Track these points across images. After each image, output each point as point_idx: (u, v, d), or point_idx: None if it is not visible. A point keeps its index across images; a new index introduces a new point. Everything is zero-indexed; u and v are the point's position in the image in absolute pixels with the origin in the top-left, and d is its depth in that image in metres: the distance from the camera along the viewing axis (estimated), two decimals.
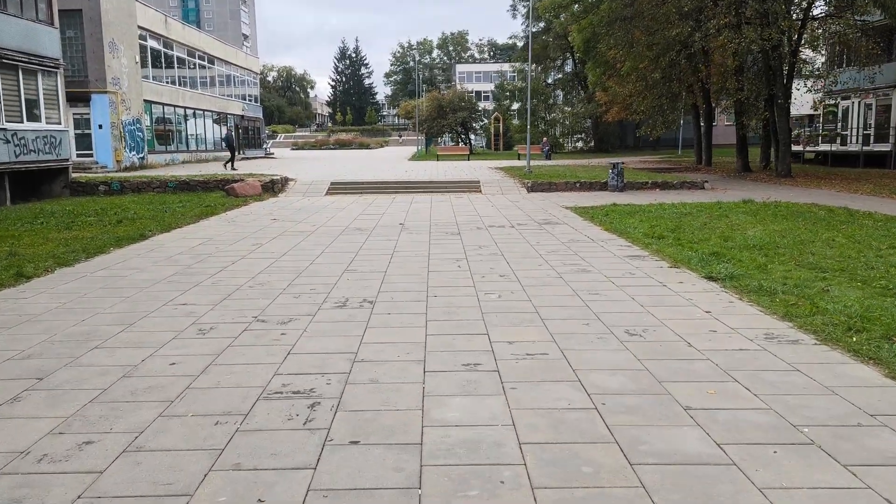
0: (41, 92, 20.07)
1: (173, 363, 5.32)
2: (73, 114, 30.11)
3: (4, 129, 18.21)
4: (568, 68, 51.91)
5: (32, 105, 19.75)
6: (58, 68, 20.91)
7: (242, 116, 52.01)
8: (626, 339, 5.82)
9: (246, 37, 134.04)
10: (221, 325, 6.41)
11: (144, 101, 34.28)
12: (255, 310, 6.97)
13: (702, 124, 32.87)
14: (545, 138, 45.26)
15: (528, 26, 49.68)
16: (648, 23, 23.72)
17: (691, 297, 7.31)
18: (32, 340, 5.96)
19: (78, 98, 29.70)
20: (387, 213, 16.03)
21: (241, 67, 52.45)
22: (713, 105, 31.03)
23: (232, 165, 31.28)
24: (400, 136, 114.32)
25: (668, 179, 22.31)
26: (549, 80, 51.43)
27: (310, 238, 12.15)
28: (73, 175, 23.30)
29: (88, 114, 30.27)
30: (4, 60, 18.29)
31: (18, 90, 19.05)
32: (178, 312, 6.89)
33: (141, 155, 33.29)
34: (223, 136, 35.02)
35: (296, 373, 5.08)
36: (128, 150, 31.90)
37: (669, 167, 31.75)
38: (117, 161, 30.71)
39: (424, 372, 5.06)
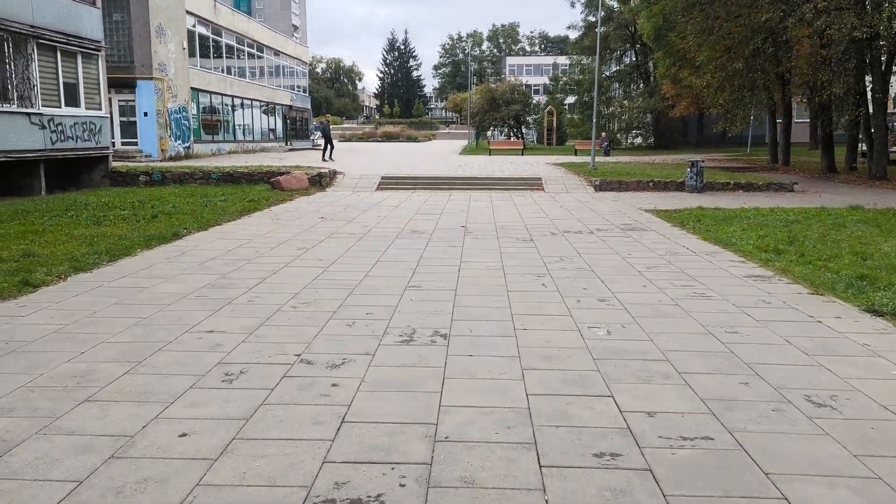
0: (81, 75, 19.03)
1: (183, 434, 3.82)
2: (119, 100, 29.34)
3: (40, 115, 17.18)
4: (628, 60, 49.52)
5: (71, 89, 18.72)
6: (99, 51, 19.86)
7: (291, 107, 51.06)
8: (814, 414, 4.12)
9: (296, 28, 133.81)
10: (255, 366, 4.90)
11: (191, 88, 33.36)
12: (299, 343, 5.45)
13: (778, 120, 30.44)
14: (604, 133, 43.07)
15: (592, 13, 47.53)
16: (732, 7, 21.58)
17: (866, 341, 5.54)
18: (7, 385, 4.53)
19: (123, 84, 28.87)
20: (445, 213, 14.45)
21: (290, 56, 51.49)
22: (792, 99, 28.62)
23: (330, 156, 30.70)
24: (448, 128, 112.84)
25: (751, 180, 20.24)
26: (608, 73, 49.14)
27: (362, 242, 10.64)
28: (115, 164, 22.32)
29: (134, 101, 29.40)
30: (42, 41, 17.24)
31: (56, 73, 18.02)
32: (202, 344, 5.41)
33: (186, 144, 32.39)
34: (318, 126, 33.97)
35: (353, 461, 3.51)
36: (173, 139, 31.00)
37: (743, 166, 29.47)
38: (162, 150, 29.81)
39: (540, 467, 3.45)
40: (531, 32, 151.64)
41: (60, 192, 18.59)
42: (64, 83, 18.33)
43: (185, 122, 32.34)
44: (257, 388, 4.47)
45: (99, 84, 20.03)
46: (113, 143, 29.02)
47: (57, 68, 18.05)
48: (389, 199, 17.59)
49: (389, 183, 20.97)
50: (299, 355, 5.15)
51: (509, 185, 20.87)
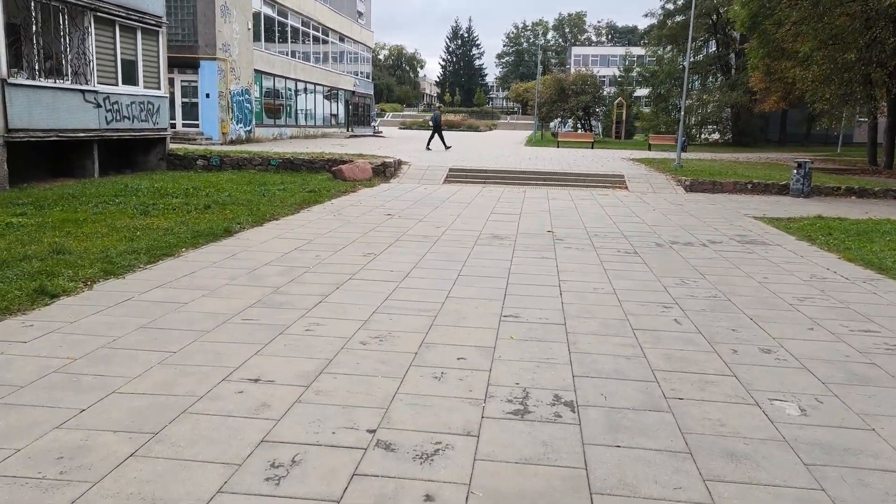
0: (140, 52, 18.05)
1: None
2: (181, 81, 28.59)
3: (95, 92, 16.22)
4: (706, 51, 46.64)
5: (129, 67, 17.75)
6: (160, 27, 18.86)
7: (353, 92, 50.00)
8: None
9: (361, 14, 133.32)
10: (311, 452, 3.44)
11: (255, 71, 32.44)
12: (373, 407, 3.98)
13: (881, 118, 27.64)
14: None
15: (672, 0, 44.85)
16: None
17: None
18: None
19: (186, 64, 28.09)
20: (525, 214, 12.84)
21: (355, 41, 50.39)
22: None
23: (442, 144, 29.70)
24: (509, 118, 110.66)
25: (865, 185, 17.97)
26: (685, 64, 46.31)
27: (437, 248, 9.14)
28: (173, 146, 21.42)
29: (196, 81, 28.58)
30: (100, 14, 16.26)
31: (114, 49, 17.04)
32: (243, 404, 3.98)
33: (248, 128, 31.51)
34: (433, 114, 33.40)
35: None
36: (234, 122, 30.12)
37: (841, 168, 26.86)
38: (223, 133, 28.96)
39: None
40: (598, 22, 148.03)
41: (115, 174, 17.70)
42: (122, 60, 17.36)
43: (248, 105, 31.45)
44: (315, 500, 3.00)
45: (159, 62, 19.04)
46: (173, 124, 28.40)
47: (115, 44, 17.07)
48: (459, 194, 16.07)
49: (457, 176, 19.44)
50: (374, 432, 3.67)
51: (588, 182, 19.09)
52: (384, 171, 18.95)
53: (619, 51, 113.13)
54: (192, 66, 28.20)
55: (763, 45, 25.49)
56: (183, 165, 19.46)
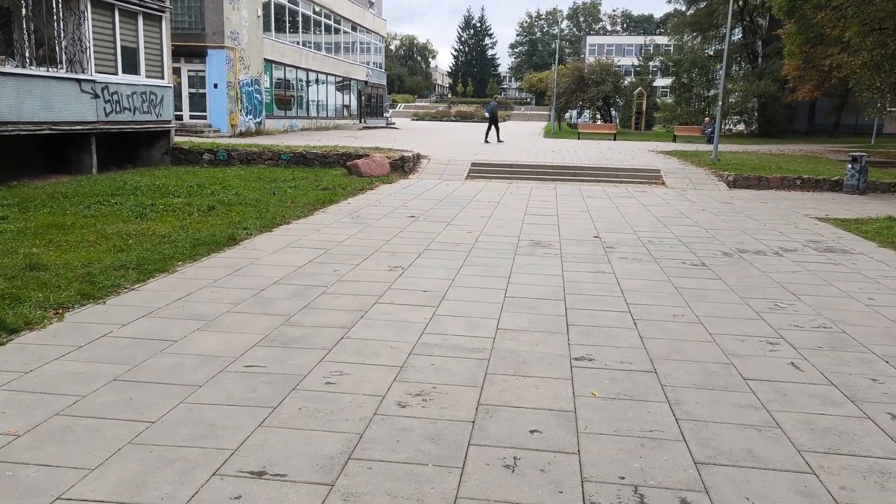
0: (141, 39, 16.86)
1: None
2: (188, 70, 27.43)
3: (93, 82, 15.05)
4: (733, 38, 44.87)
5: (130, 54, 16.57)
6: (163, 12, 17.65)
7: (366, 83, 48.72)
8: None
9: (371, 3, 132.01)
10: None
11: (264, 60, 31.23)
12: None
13: None
14: (707, 119, 39.05)
15: None
16: None
17: None
18: None
19: (193, 53, 26.92)
20: (563, 215, 11.57)
21: (367, 30, 49.06)
22: None
23: (497, 138, 29.52)
24: (523, 109, 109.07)
25: None
26: (710, 52, 44.74)
27: (472, 259, 7.89)
28: (179, 139, 20.27)
29: (204, 71, 27.40)
30: None
31: (113, 35, 15.86)
32: None
33: (258, 119, 30.33)
34: (490, 105, 32.58)
35: None
36: (244, 114, 28.94)
37: (883, 161, 25.34)
38: (232, 125, 27.78)
39: None
40: (613, 11, 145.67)
41: (116, 169, 16.57)
42: (122, 47, 16.18)
43: (257, 95, 30.26)
44: None
45: (162, 50, 17.85)
46: (180, 116, 27.29)
47: (114, 30, 15.89)
48: (485, 191, 14.81)
49: (481, 171, 18.17)
50: None
51: (622, 177, 17.77)
52: (402, 165, 17.71)
53: (636, 40, 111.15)
54: (199, 54, 27.02)
55: (802, 30, 23.95)
56: (188, 160, 18.30)
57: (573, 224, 10.62)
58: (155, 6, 17.17)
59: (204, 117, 27.74)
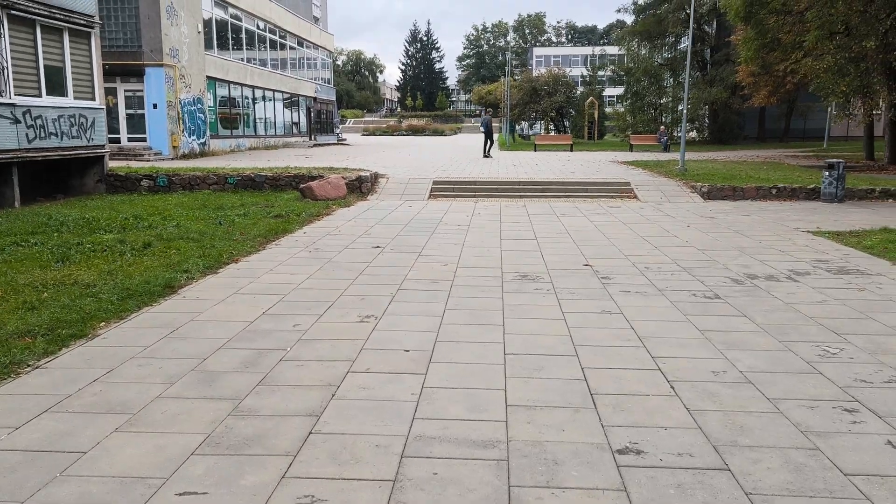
0: (68, 57, 15.34)
1: None
2: (125, 90, 25.76)
3: (12, 105, 13.51)
4: (680, 46, 44.98)
5: (55, 74, 15.05)
6: (92, 27, 16.15)
7: (315, 99, 47.34)
8: None
9: (317, 19, 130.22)
10: None
11: (207, 77, 29.70)
12: None
13: (876, 112, 26.04)
14: (662, 127, 38.84)
15: None
16: None
17: None
18: None
19: (130, 72, 25.28)
20: (542, 238, 10.56)
21: (314, 45, 47.73)
22: None
23: (487, 151, 29.55)
24: (473, 121, 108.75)
25: None
26: (660, 60, 44.67)
27: (455, 300, 6.78)
28: (115, 165, 18.73)
29: (142, 90, 25.74)
30: (14, 12, 13.57)
31: (35, 54, 14.33)
32: None
33: (202, 140, 28.74)
34: (483, 120, 31.98)
35: None
36: (187, 135, 27.35)
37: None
38: (174, 147, 26.16)
39: None
40: (558, 23, 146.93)
41: (44, 201, 15.01)
42: (45, 66, 14.65)
43: (201, 114, 28.70)
44: None
45: (92, 69, 16.33)
46: (117, 139, 25.59)
47: (36, 47, 14.36)
48: (452, 212, 13.74)
49: (443, 189, 17.11)
50: None
51: (592, 192, 16.92)
52: (360, 186, 16.53)
53: (582, 50, 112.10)
54: (137, 73, 25.38)
55: (759, 35, 23.65)
56: (125, 187, 16.79)
57: (556, 249, 9.61)
58: (82, 21, 15.68)
59: (144, 139, 26.07)
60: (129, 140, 26.03)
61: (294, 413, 4.10)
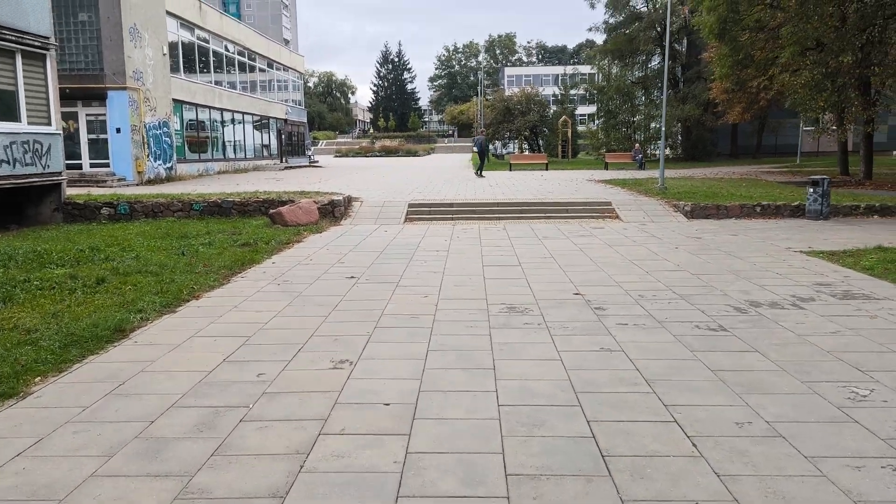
0: (21, 81, 14.56)
1: None
2: (87, 115, 24.90)
3: None
4: (652, 63, 45.21)
5: (7, 98, 14.26)
6: (47, 49, 15.39)
7: (286, 121, 46.68)
8: None
9: (287, 42, 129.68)
10: None
11: (173, 100, 28.91)
12: None
13: (848, 125, 26.04)
14: (637, 145, 38.76)
15: (616, 13, 43.20)
16: None
17: None
18: None
19: (92, 95, 24.45)
20: (526, 265, 9.99)
21: (285, 66, 47.15)
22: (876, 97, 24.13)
23: (479, 171, 29.60)
24: (446, 141, 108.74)
25: (883, 202, 15.86)
26: (632, 79, 44.78)
27: (438, 339, 6.16)
28: (75, 192, 17.89)
29: (104, 115, 24.88)
30: None
31: None
32: None
33: (168, 165, 27.87)
34: (476, 140, 31.98)
35: None
36: (152, 159, 26.48)
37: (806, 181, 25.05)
38: (139, 172, 25.29)
39: None
40: (528, 43, 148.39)
41: None
42: None
43: (167, 138, 27.85)
44: None
45: (48, 92, 15.55)
46: (79, 165, 24.72)
47: None
48: (429, 236, 13.14)
49: (419, 212, 16.52)
50: None
51: (573, 212, 16.44)
52: (333, 211, 15.88)
53: (552, 70, 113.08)
54: (99, 97, 24.54)
55: (734, 52, 23.57)
56: (84, 216, 15.96)
57: (542, 276, 9.04)
58: (37, 43, 14.92)
59: (107, 165, 25.19)
60: (92, 166, 25.14)
61: (254, 494, 3.43)
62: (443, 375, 5.17)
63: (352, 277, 9.11)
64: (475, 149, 31.73)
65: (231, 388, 4.94)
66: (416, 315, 7.01)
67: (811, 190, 14.98)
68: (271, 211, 15.04)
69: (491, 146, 57.13)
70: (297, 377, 5.18)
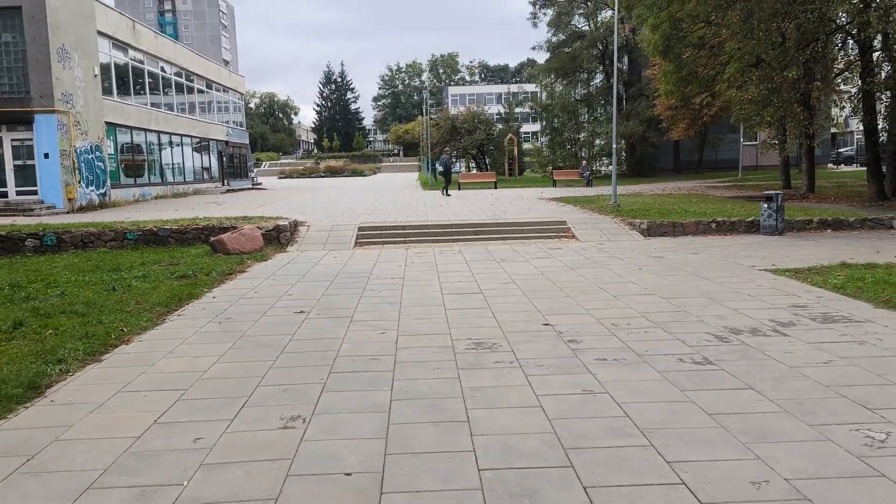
0: None
1: None
2: (12, 140, 23.47)
3: None
4: (597, 80, 45.62)
5: None
6: None
7: (227, 143, 45.39)
8: None
9: (227, 63, 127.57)
10: None
11: (106, 123, 27.58)
12: None
13: (793, 139, 26.54)
14: (584, 161, 38.88)
15: (559, 32, 43.51)
16: (789, 4, 17.38)
17: None
18: None
19: (17, 119, 23.09)
20: (488, 292, 9.43)
21: (225, 87, 45.93)
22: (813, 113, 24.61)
23: (445, 190, 29.83)
24: (392, 160, 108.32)
25: (837, 216, 15.91)
26: (576, 97, 45.07)
27: (402, 385, 5.51)
28: None
29: (31, 139, 23.49)
30: None
31: None
32: None
33: (102, 190, 26.50)
34: (441, 159, 32.75)
35: None
36: (84, 185, 25.11)
37: (753, 195, 25.37)
38: (69, 199, 23.90)
39: None
40: (471, 62, 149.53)
41: None
42: None
43: (100, 163, 26.50)
44: None
45: None
46: (4, 192, 23.28)
47: None
48: (383, 262, 12.48)
49: (370, 235, 15.85)
50: None
51: (528, 232, 16.02)
52: (278, 236, 15.08)
53: (495, 89, 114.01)
54: (25, 121, 23.18)
55: (678, 69, 23.72)
56: (6, 249, 14.76)
57: (507, 304, 8.49)
58: None
59: (35, 192, 23.77)
60: (19, 193, 23.69)
61: None
62: (411, 432, 4.52)
63: (301, 312, 8.38)
64: (440, 168, 32.04)
65: (163, 460, 4.19)
66: (375, 356, 6.34)
67: (765, 205, 14.90)
68: (212, 239, 14.14)
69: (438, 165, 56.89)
70: (242, 441, 4.46)
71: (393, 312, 8.23)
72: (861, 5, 16.27)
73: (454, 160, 56.25)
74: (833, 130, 20.90)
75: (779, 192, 14.99)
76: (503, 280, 10.29)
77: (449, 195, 28.93)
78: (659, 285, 9.53)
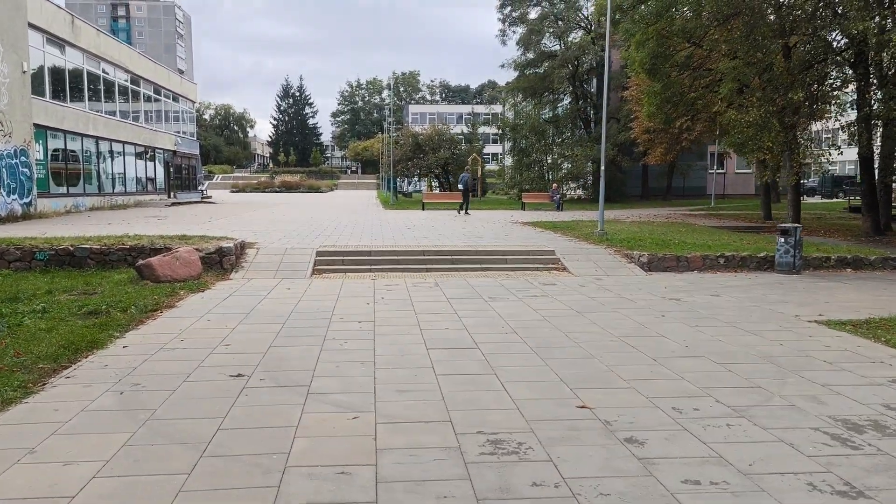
0: None
1: None
2: None
3: None
4: (565, 102, 44.25)
5: None
6: None
7: (175, 152, 42.53)
8: None
9: (182, 72, 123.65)
10: None
11: (35, 126, 24.75)
12: None
13: (795, 166, 25.25)
14: (555, 185, 37.21)
15: (528, 51, 42.00)
16: (793, 23, 15.93)
17: None
18: None
19: None
20: (485, 345, 7.33)
21: (175, 94, 43.15)
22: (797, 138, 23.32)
23: (465, 209, 29.26)
24: (349, 177, 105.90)
25: (857, 254, 14.31)
26: (545, 117, 43.60)
27: None
28: None
29: None
30: None
31: None
32: None
33: (26, 200, 23.63)
34: (462, 178, 31.61)
35: None
36: (5, 193, 22.26)
37: (742, 225, 23.98)
38: None
39: None
40: (432, 81, 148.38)
41: None
42: None
43: (25, 169, 23.65)
44: None
45: None
46: None
47: None
48: (346, 297, 10.28)
49: (330, 262, 13.63)
50: None
51: (513, 262, 14.00)
52: (221, 260, 12.75)
53: (457, 108, 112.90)
54: None
55: (664, 89, 22.20)
56: None
57: (516, 369, 6.40)
58: None
59: None
60: None
61: None
62: None
63: (239, 376, 6.14)
64: (460, 186, 31.15)
65: None
66: (345, 469, 4.17)
67: (781, 240, 13.20)
68: (140, 262, 11.73)
69: (401, 183, 54.82)
70: None
71: (365, 379, 6.06)
72: (883, 23, 14.87)
73: (414, 180, 54.32)
74: (821, 160, 19.55)
75: (797, 225, 13.31)
76: (500, 328, 8.21)
77: (468, 214, 28.75)
78: (699, 341, 7.57)
